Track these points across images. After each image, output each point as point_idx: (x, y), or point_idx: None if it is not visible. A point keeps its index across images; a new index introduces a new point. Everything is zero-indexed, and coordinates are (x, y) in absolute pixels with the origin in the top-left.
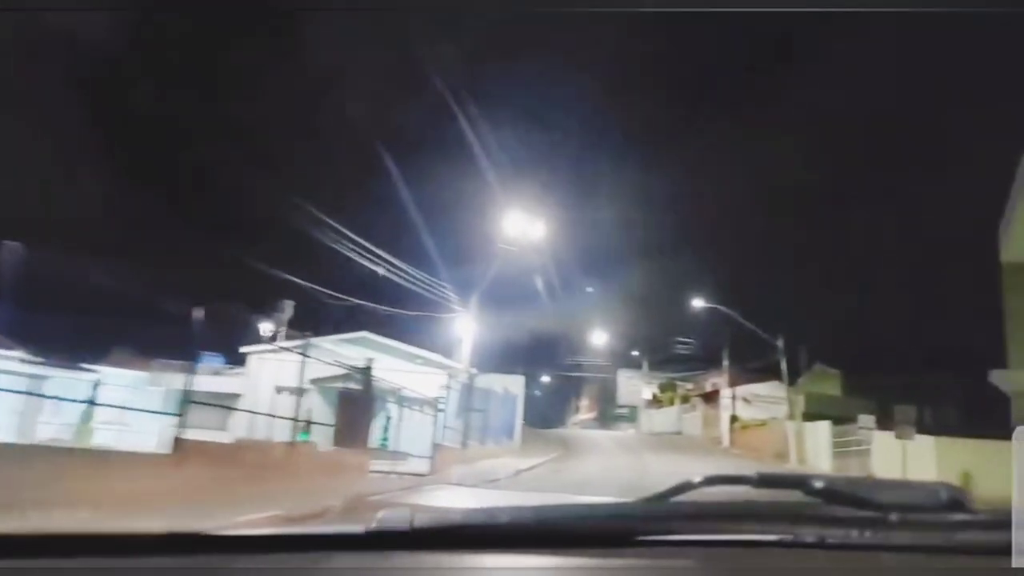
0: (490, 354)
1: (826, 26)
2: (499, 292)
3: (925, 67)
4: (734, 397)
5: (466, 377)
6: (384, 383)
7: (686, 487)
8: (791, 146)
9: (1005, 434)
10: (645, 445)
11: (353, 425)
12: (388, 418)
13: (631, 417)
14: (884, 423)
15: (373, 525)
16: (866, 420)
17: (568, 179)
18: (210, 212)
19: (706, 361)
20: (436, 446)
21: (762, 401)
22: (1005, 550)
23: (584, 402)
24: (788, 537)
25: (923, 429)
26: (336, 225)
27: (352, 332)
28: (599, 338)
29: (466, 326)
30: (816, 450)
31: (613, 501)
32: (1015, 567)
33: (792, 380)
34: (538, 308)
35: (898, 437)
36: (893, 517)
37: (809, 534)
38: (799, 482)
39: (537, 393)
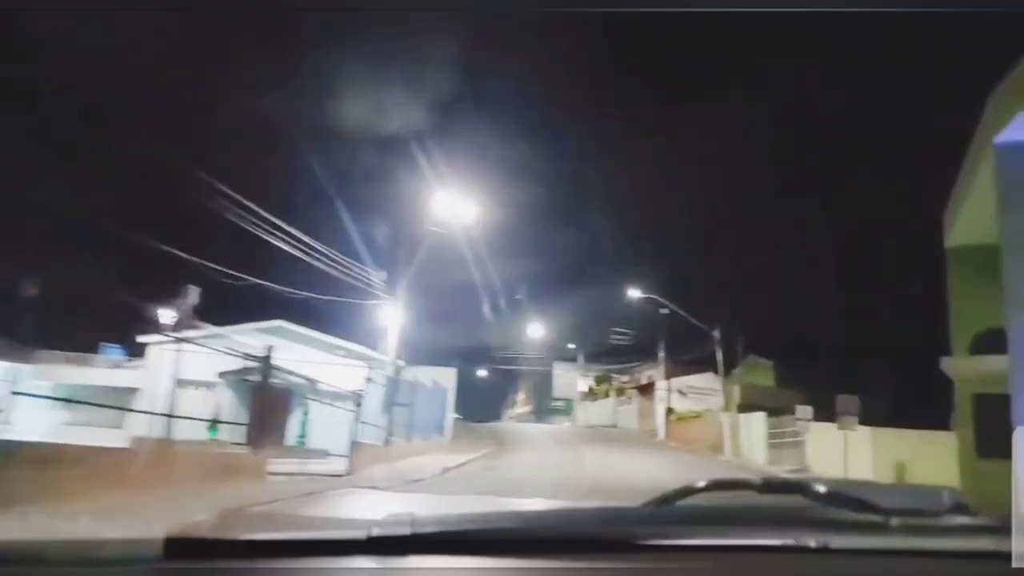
0: (419, 345)
1: (767, 24)
2: (428, 279)
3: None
4: (669, 389)
5: (392, 369)
6: (301, 376)
7: (688, 491)
8: (731, 139)
9: (937, 424)
10: (581, 438)
11: (267, 422)
12: (306, 414)
13: (567, 410)
14: (821, 414)
15: (374, 530)
16: (803, 411)
17: (503, 162)
18: (102, 188)
19: (642, 353)
20: (355, 444)
21: (697, 393)
22: (1007, 555)
23: (520, 395)
24: (791, 542)
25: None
26: (246, 202)
27: (266, 321)
28: (535, 331)
29: (392, 315)
30: (751, 442)
31: (614, 505)
32: (1015, 567)
33: (727, 371)
34: (471, 297)
35: (840, 428)
36: (895, 521)
37: (812, 539)
38: (801, 487)
39: (472, 387)
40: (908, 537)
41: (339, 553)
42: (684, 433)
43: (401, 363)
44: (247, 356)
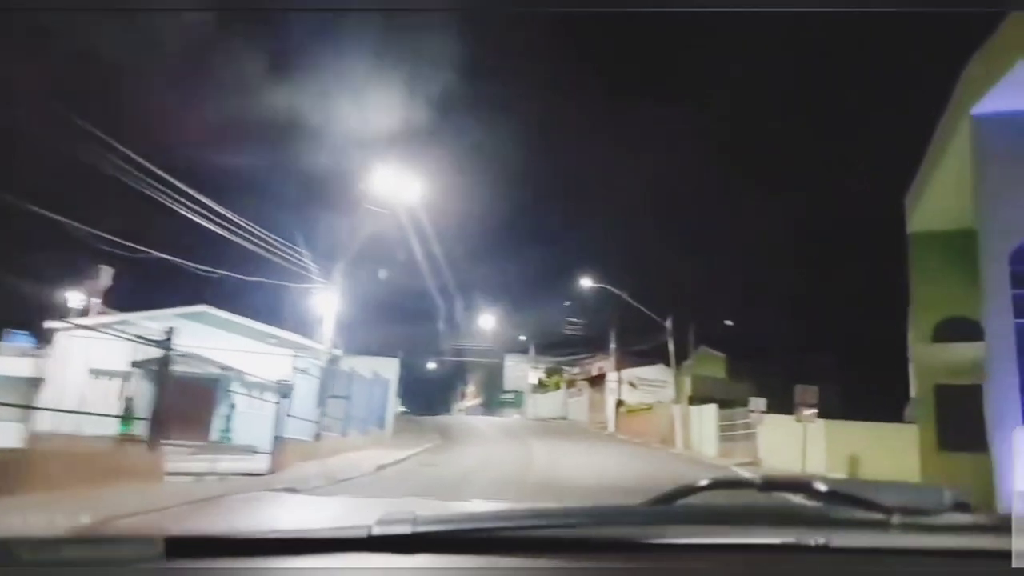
0: (358, 334)
1: (714, 18)
2: (369, 263)
3: (819, 44)
4: (620, 381)
5: (327, 359)
6: (225, 366)
7: (690, 490)
8: (684, 129)
9: (889, 417)
10: (530, 431)
11: (187, 415)
12: (232, 407)
13: (517, 402)
14: (774, 406)
15: (375, 528)
16: (756, 403)
17: (451, 145)
18: None
19: (593, 344)
20: (280, 439)
21: (648, 385)
22: (1007, 553)
23: (470, 388)
24: (791, 540)
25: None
26: (163, 174)
27: (188, 306)
28: (485, 322)
29: (327, 301)
30: (702, 434)
31: (617, 505)
32: (1016, 567)
33: (678, 363)
34: (416, 285)
35: (799, 420)
36: (896, 520)
37: (813, 537)
38: (802, 486)
39: (419, 379)
40: (909, 535)
41: (340, 551)
42: (634, 425)
43: (338, 352)
44: (139, 339)
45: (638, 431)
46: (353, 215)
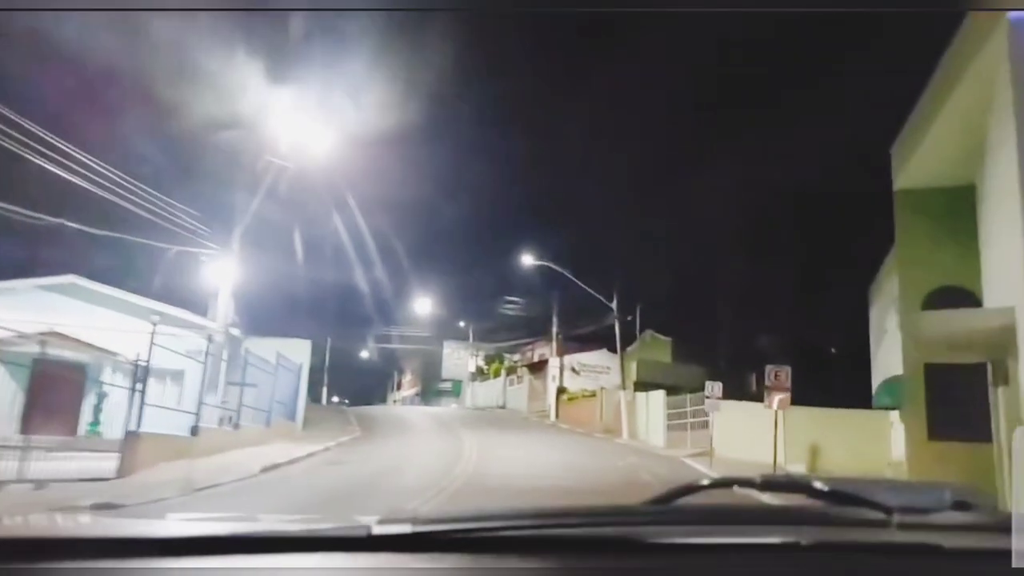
0: (267, 313)
1: None
2: (276, 228)
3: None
4: (561, 367)
5: (221, 340)
6: (99, 347)
7: (691, 489)
8: (630, 99)
9: (852, 403)
10: (464, 421)
11: (51, 406)
12: (103, 395)
13: (455, 391)
14: (725, 392)
15: (375, 527)
16: (713, 387)
17: (372, 88)
18: None
19: (535, 329)
20: (132, 435)
21: (590, 371)
22: (1007, 552)
23: (407, 377)
24: (792, 539)
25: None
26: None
27: (54, 276)
28: (422, 306)
29: (223, 271)
30: (649, 423)
31: (617, 504)
32: (1016, 567)
33: (623, 348)
34: (340, 259)
35: (771, 406)
36: (897, 519)
37: (813, 536)
38: (803, 484)
39: (352, 367)
40: (909, 534)
41: (340, 549)
42: (576, 414)
43: (235, 332)
44: None
45: (581, 420)
46: (251, 170)
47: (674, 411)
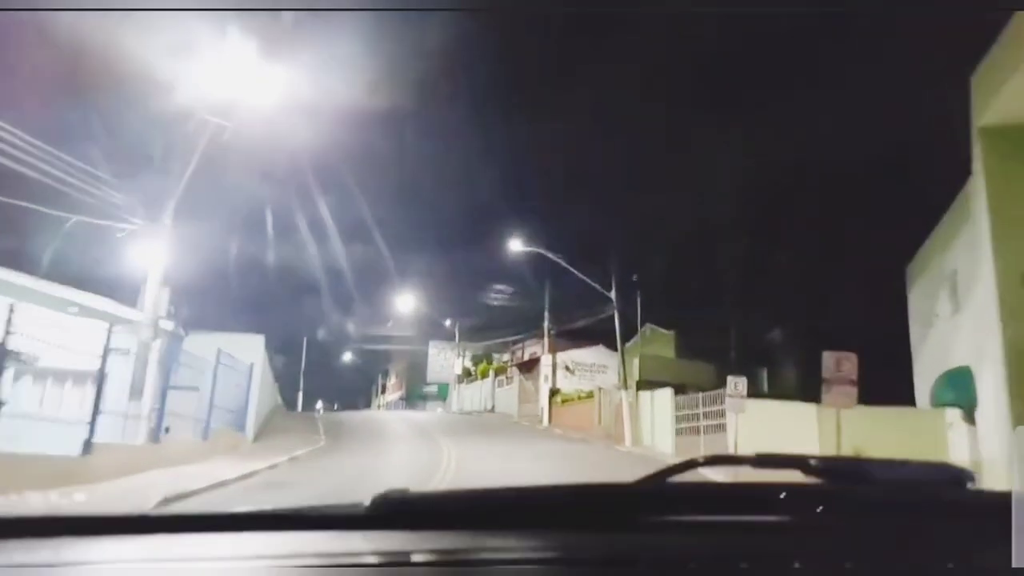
0: (216, 305)
1: None
2: (224, 204)
3: None
4: (554, 366)
5: (149, 334)
6: None
7: (685, 466)
8: (635, 56)
9: (896, 400)
10: (448, 428)
11: None
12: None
13: (442, 394)
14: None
15: (369, 504)
16: (735, 384)
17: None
18: None
19: (525, 325)
20: None
21: (586, 370)
22: (1006, 528)
23: (392, 380)
24: (787, 518)
25: (781, 395)
26: None
27: None
28: (405, 303)
29: (153, 252)
30: (655, 426)
31: (610, 483)
32: (1016, 567)
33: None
34: (303, 238)
35: (831, 405)
36: (894, 497)
37: (809, 514)
38: (798, 462)
39: (334, 370)
40: (908, 512)
41: (335, 527)
42: (572, 417)
43: (168, 326)
44: None
45: (577, 424)
46: (186, 129)
47: (683, 413)
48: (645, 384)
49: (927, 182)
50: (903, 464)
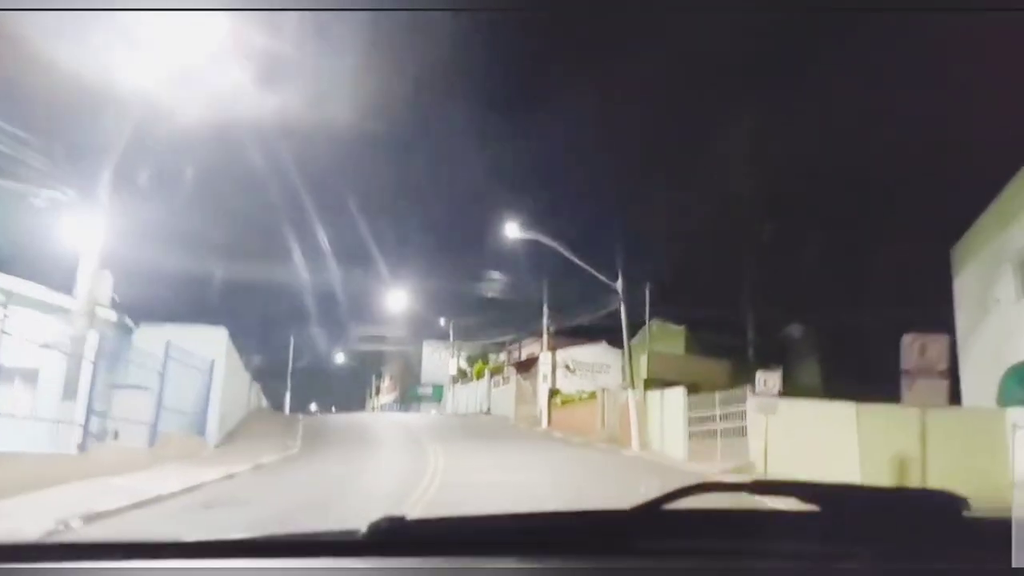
0: (163, 293)
1: None
2: (170, 174)
3: None
4: (554, 364)
5: (84, 326)
6: None
7: (681, 493)
8: (645, 49)
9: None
10: (439, 431)
11: None
12: None
13: (437, 396)
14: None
15: (366, 530)
16: (766, 380)
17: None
18: None
19: (522, 323)
20: None
21: (588, 369)
22: (1002, 556)
23: (386, 381)
24: (783, 544)
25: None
26: None
27: None
28: (396, 301)
29: (87, 229)
30: (666, 429)
31: (606, 509)
32: (1016, 568)
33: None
34: (267, 214)
35: (916, 404)
36: (887, 523)
37: (805, 541)
38: (793, 489)
39: (326, 372)
40: (903, 539)
41: (332, 553)
42: (573, 419)
43: (110, 316)
44: None
45: (578, 426)
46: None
47: (697, 414)
48: (653, 383)
49: (977, 155)
50: (898, 491)
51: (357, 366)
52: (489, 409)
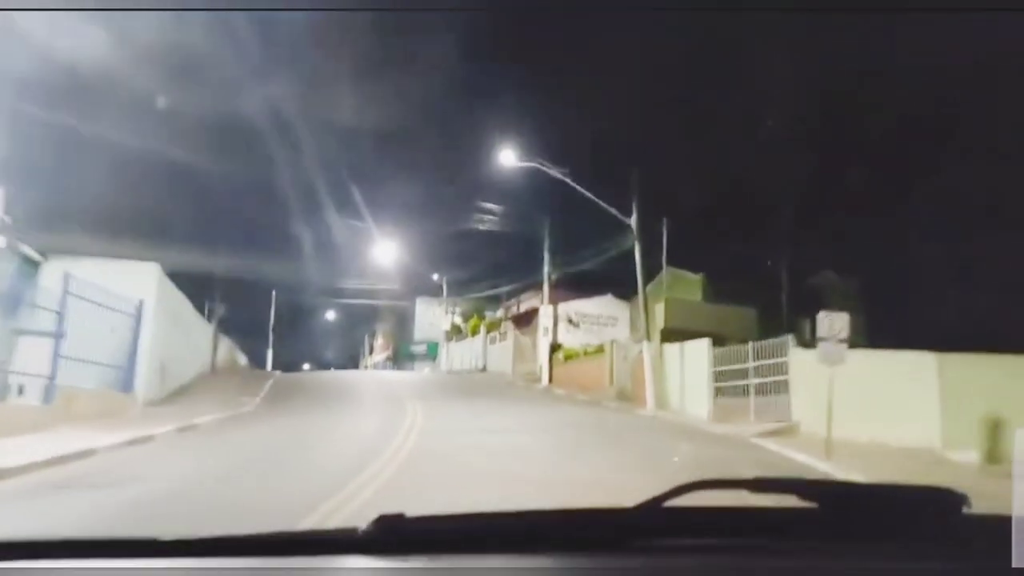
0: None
1: None
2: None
3: None
4: (555, 318)
5: None
6: None
7: (680, 491)
8: None
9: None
10: (425, 389)
11: None
12: None
13: (431, 353)
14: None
15: (365, 528)
16: (833, 322)
17: None
18: None
19: (520, 274)
20: None
21: (593, 322)
22: (1002, 553)
23: (379, 340)
24: (783, 542)
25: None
26: None
27: None
28: (385, 252)
29: None
30: (686, 386)
31: (606, 507)
32: (1016, 567)
33: (631, 295)
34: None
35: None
36: (888, 520)
37: (804, 538)
38: (796, 487)
39: (318, 328)
40: (903, 536)
41: (330, 552)
42: (577, 375)
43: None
44: None
45: (583, 383)
46: None
47: (724, 368)
48: (671, 335)
49: None
50: (898, 488)
51: (349, 324)
52: (485, 366)
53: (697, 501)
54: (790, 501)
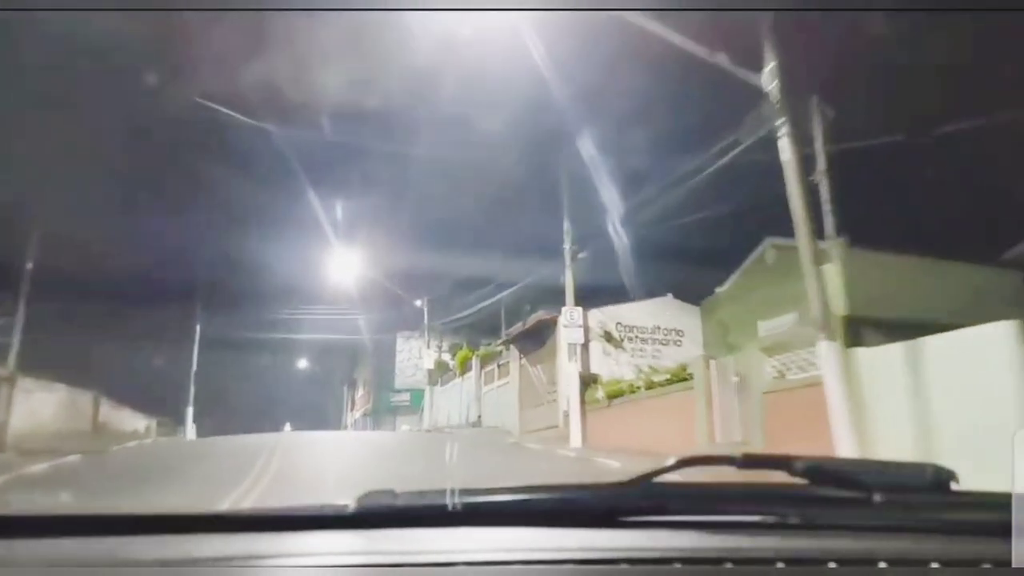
0: None
1: None
2: None
3: None
4: (586, 330)
5: None
6: None
7: (669, 467)
8: None
9: None
10: (362, 470)
11: None
12: None
13: (416, 403)
14: None
15: (356, 504)
16: None
17: None
18: None
19: (527, 262)
20: None
21: (646, 338)
22: (990, 530)
23: (360, 391)
24: (771, 518)
25: None
26: None
27: None
28: (346, 266)
29: None
30: (965, 437)
31: (594, 482)
32: (1005, 543)
33: (710, 292)
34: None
35: None
36: (878, 498)
37: (793, 514)
38: (783, 463)
39: (289, 381)
40: (891, 513)
41: (323, 527)
42: (633, 428)
43: None
44: None
45: (646, 441)
46: None
47: None
48: (863, 328)
49: None
50: (887, 465)
51: (322, 374)
52: (479, 418)
53: (688, 477)
54: (780, 477)
